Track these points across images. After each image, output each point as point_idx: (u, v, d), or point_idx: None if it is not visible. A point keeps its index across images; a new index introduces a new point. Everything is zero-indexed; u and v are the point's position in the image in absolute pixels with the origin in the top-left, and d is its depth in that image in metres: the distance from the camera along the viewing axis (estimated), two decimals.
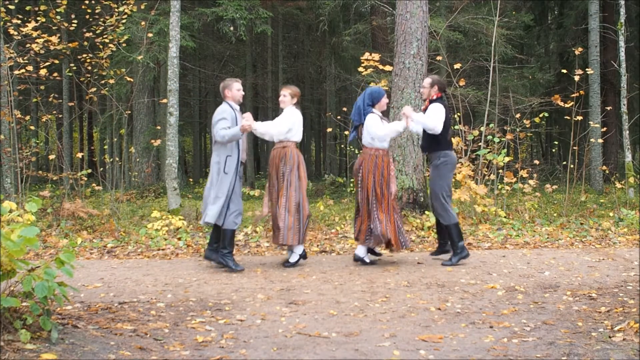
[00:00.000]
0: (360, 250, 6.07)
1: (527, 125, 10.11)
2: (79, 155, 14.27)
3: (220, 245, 5.82)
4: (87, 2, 10.19)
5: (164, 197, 12.75)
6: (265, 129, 5.95)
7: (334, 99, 22.00)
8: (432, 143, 6.00)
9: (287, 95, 6.08)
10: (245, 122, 5.69)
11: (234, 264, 5.79)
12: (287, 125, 5.94)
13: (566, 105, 9.47)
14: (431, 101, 5.99)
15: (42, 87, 15.98)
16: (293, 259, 6.05)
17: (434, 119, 5.84)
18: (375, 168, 5.85)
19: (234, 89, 5.87)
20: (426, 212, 8.34)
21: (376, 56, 10.08)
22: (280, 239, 5.87)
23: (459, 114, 9.41)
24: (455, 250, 5.96)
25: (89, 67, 10.26)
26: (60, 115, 17.59)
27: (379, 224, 5.77)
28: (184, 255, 6.89)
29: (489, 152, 8.91)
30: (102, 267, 6.12)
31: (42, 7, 10.02)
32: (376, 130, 5.82)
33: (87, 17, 10.31)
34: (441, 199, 5.89)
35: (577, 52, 10.12)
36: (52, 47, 9.40)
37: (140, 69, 13.21)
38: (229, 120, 5.68)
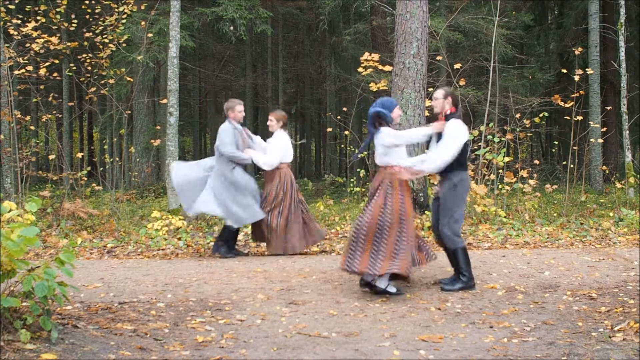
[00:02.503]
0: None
1: (527, 125, 10.11)
2: (79, 155, 14.27)
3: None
4: (87, 2, 10.19)
5: (164, 197, 12.75)
6: (257, 160, 6.50)
7: (334, 99, 21.99)
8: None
9: (273, 120, 6.58)
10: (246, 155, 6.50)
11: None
12: (277, 157, 6.49)
13: (566, 105, 9.47)
14: (447, 117, 5.09)
15: (42, 87, 15.98)
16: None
17: (451, 146, 4.92)
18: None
19: (237, 110, 6.51)
20: (426, 212, 8.34)
21: (376, 56, 10.08)
22: (294, 248, 6.54)
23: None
24: (460, 276, 5.10)
25: (89, 67, 10.26)
26: (60, 115, 17.58)
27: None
28: (184, 255, 6.88)
29: (488, 152, 8.91)
30: (102, 267, 6.12)
31: (42, 7, 10.02)
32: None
33: (87, 17, 10.31)
34: (449, 222, 5.05)
35: (577, 52, 10.12)
36: (52, 47, 9.40)
37: (140, 69, 13.21)
38: (232, 140, 6.41)
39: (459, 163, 5.06)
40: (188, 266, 6.10)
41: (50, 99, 10.29)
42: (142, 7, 11.29)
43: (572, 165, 9.74)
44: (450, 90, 5.33)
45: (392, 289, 4.89)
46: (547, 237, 7.62)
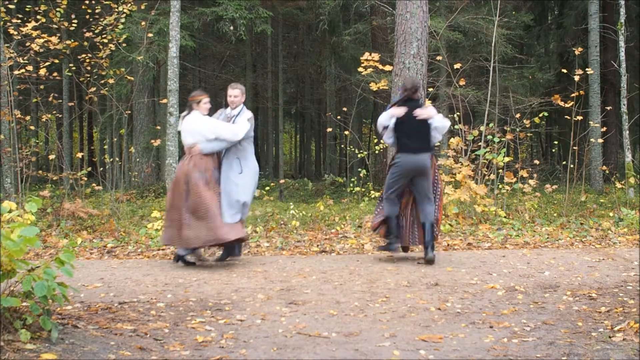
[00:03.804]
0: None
1: (527, 125, 10.11)
2: (79, 155, 14.27)
3: None
4: (87, 2, 10.18)
5: (164, 197, 12.73)
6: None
7: (334, 99, 22.00)
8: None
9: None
10: None
11: None
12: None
13: (566, 105, 9.46)
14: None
15: (42, 87, 15.98)
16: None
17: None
18: None
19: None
20: None
21: (376, 56, 10.08)
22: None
23: (458, 113, 9.40)
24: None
25: (89, 67, 10.25)
26: (60, 115, 17.56)
27: None
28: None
29: (488, 152, 8.91)
30: (102, 267, 6.12)
31: (42, 7, 10.01)
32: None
33: (87, 17, 10.30)
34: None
35: (577, 52, 10.11)
36: (52, 47, 9.39)
37: (140, 69, 13.20)
38: None
39: (394, 146, 6.17)
40: (188, 266, 6.10)
41: (50, 99, 10.26)
42: (142, 7, 11.28)
43: (572, 165, 9.73)
44: (410, 79, 6.69)
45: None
46: (547, 237, 7.62)
